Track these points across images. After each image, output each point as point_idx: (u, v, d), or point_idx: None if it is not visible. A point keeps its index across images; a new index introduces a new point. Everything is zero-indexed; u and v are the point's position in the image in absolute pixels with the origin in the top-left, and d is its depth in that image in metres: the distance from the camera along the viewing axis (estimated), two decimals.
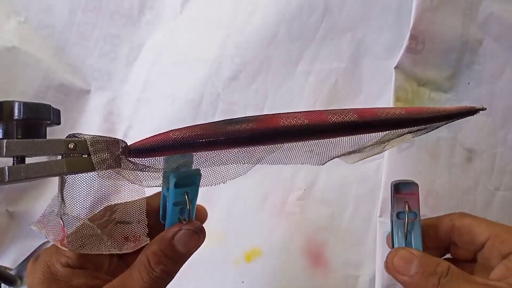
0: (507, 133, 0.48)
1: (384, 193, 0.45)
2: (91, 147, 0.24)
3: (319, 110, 0.27)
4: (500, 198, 0.48)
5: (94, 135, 0.25)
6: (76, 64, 0.49)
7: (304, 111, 0.27)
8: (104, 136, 0.25)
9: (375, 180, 0.47)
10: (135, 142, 0.26)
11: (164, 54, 0.50)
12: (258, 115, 0.26)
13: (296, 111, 0.27)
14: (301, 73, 0.49)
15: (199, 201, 0.48)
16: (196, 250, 0.29)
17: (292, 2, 0.48)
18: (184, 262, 0.29)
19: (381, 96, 0.48)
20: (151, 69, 0.50)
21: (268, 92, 0.49)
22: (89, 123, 0.49)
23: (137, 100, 0.49)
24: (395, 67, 0.46)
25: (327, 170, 0.48)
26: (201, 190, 0.48)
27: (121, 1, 0.49)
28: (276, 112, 0.27)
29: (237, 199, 0.48)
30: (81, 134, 0.25)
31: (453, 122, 0.47)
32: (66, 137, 0.25)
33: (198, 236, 0.28)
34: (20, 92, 0.47)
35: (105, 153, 0.24)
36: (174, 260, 0.28)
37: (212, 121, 0.26)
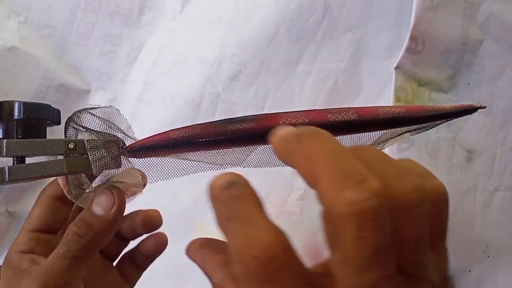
0: (507, 133, 0.48)
1: None
2: (87, 144, 0.24)
3: (319, 109, 0.27)
4: (499, 199, 0.48)
5: (91, 134, 0.25)
6: (76, 64, 0.49)
7: (304, 110, 0.27)
8: (103, 133, 0.25)
9: None
10: (135, 142, 0.26)
11: (164, 54, 0.50)
12: (258, 114, 0.26)
13: (296, 110, 0.27)
14: (301, 73, 0.49)
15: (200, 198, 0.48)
16: (117, 211, 0.26)
17: (292, 2, 0.48)
18: (106, 231, 0.26)
19: (381, 96, 0.48)
20: (151, 69, 0.50)
21: (268, 92, 0.49)
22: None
23: (137, 100, 0.49)
24: (395, 68, 0.46)
25: None
26: (200, 189, 0.48)
27: (121, 1, 0.49)
28: (276, 112, 0.27)
29: None
30: (80, 113, 0.25)
31: (452, 122, 0.48)
32: (72, 114, 0.24)
33: (111, 194, 0.26)
34: (20, 92, 0.47)
35: (102, 151, 0.24)
36: (90, 224, 0.26)
37: (212, 120, 0.26)
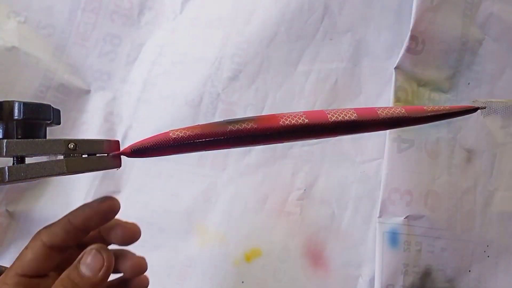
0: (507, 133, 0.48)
1: (383, 193, 0.45)
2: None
3: (319, 110, 0.27)
4: (499, 199, 0.48)
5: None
6: (76, 64, 0.49)
7: (304, 111, 0.27)
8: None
9: (375, 180, 0.47)
10: (135, 142, 0.26)
11: (164, 54, 0.50)
12: (259, 115, 0.26)
13: (296, 111, 0.27)
14: (301, 73, 0.49)
15: (197, 199, 0.48)
16: (105, 274, 0.26)
17: (292, 2, 0.48)
18: None
19: (381, 96, 0.48)
20: (151, 69, 0.50)
21: (268, 92, 0.49)
22: (89, 123, 0.49)
23: (137, 100, 0.49)
24: (395, 68, 0.46)
25: (327, 170, 0.48)
26: (200, 189, 0.48)
27: (121, 1, 0.49)
28: (276, 112, 0.27)
29: (237, 199, 0.48)
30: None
31: (452, 122, 0.48)
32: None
33: (101, 256, 0.26)
34: (20, 92, 0.47)
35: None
36: (77, 285, 0.26)
37: (212, 121, 0.27)
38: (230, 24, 0.49)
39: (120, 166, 0.26)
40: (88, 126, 0.49)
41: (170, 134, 0.25)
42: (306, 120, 0.26)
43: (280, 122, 0.26)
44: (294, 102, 0.48)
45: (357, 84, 0.48)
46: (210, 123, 0.26)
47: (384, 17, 0.48)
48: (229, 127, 0.25)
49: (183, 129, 0.25)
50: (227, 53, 0.48)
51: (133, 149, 0.25)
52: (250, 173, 0.48)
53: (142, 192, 0.48)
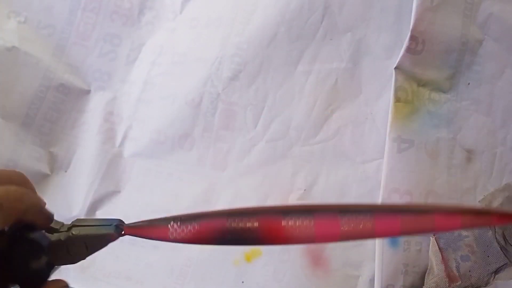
0: (507, 133, 0.48)
1: (383, 193, 0.45)
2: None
3: (333, 215, 0.23)
4: (499, 199, 0.48)
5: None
6: (76, 64, 0.49)
7: (316, 221, 0.24)
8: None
9: (375, 180, 0.47)
10: (135, 227, 0.25)
11: (164, 54, 0.50)
12: (264, 213, 0.24)
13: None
14: (301, 73, 0.49)
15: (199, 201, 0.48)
16: None
17: (292, 2, 0.48)
18: None
19: (381, 96, 0.48)
20: (151, 69, 0.50)
21: (268, 92, 0.49)
22: (89, 123, 0.49)
23: (137, 100, 0.49)
24: (395, 68, 0.46)
25: (327, 170, 0.48)
26: (200, 189, 0.48)
27: (121, 1, 0.49)
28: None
29: (237, 199, 0.48)
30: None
31: (452, 122, 0.48)
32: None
33: None
34: (20, 92, 0.47)
35: None
36: None
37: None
38: (230, 24, 0.49)
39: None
40: (88, 126, 0.49)
41: (169, 235, 0.25)
42: (314, 233, 0.23)
43: (288, 234, 0.23)
44: (294, 102, 0.48)
45: (357, 84, 0.48)
46: (214, 219, 0.24)
47: (384, 17, 0.48)
48: (231, 225, 0.24)
49: (183, 227, 0.24)
50: (227, 53, 0.48)
51: (131, 234, 0.25)
52: (250, 173, 0.48)
53: (142, 192, 0.48)
